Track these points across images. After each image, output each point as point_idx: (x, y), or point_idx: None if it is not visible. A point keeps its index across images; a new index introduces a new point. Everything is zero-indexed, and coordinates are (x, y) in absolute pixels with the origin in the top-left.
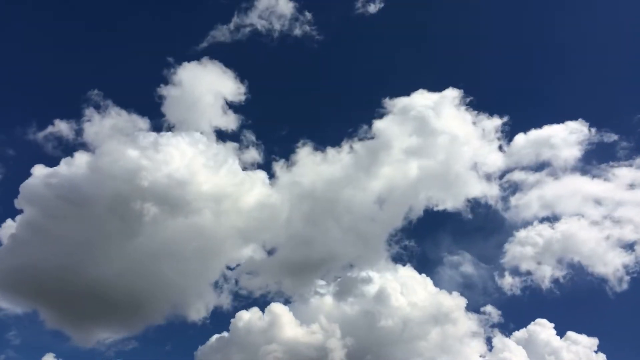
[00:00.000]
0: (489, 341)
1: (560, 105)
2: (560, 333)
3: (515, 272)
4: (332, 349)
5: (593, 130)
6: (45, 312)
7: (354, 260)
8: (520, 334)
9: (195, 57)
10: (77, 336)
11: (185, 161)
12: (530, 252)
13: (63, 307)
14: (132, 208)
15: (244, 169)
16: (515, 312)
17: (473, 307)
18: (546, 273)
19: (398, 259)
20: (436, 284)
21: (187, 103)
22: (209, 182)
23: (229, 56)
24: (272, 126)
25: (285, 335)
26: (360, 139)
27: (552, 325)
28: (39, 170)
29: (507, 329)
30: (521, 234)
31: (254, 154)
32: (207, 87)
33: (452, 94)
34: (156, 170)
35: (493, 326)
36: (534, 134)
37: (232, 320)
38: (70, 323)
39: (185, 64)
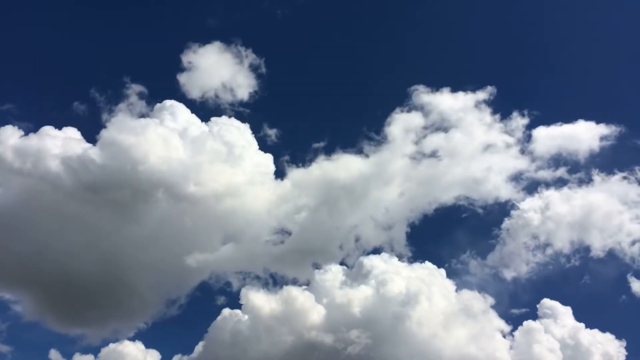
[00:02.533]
0: (513, 334)
1: (589, 106)
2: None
3: (534, 265)
4: (348, 337)
5: (624, 132)
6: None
7: (372, 251)
8: (542, 322)
9: (212, 38)
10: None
11: (195, 147)
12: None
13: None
14: (139, 194)
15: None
16: (535, 302)
17: (495, 303)
18: (565, 261)
19: (417, 255)
20: (455, 280)
21: (202, 87)
22: (221, 168)
23: (247, 41)
24: (289, 115)
25: (297, 317)
26: (381, 135)
27: (571, 311)
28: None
29: (529, 318)
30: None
31: (269, 140)
32: (221, 70)
33: (479, 91)
34: (160, 157)
35: (515, 319)
36: (561, 134)
37: (244, 299)
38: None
39: (201, 45)
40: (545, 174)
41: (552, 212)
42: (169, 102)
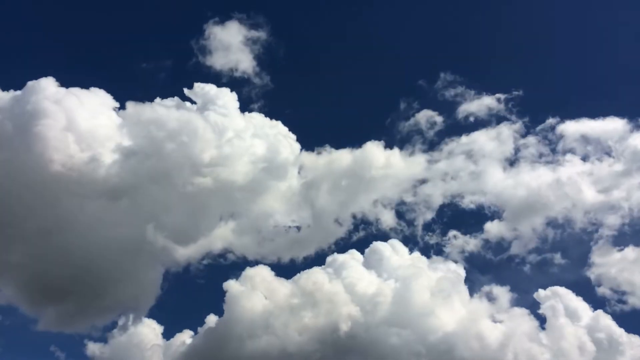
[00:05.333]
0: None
1: (620, 103)
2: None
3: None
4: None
5: None
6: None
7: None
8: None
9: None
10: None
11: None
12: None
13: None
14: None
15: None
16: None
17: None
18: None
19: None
20: (475, 276)
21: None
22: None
23: (267, 19)
24: (307, 100)
25: (307, 300)
26: (405, 127)
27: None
28: None
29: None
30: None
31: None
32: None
33: (507, 94)
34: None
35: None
36: (590, 131)
37: (251, 281)
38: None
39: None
40: (575, 173)
41: (579, 209)
42: (197, 86)
